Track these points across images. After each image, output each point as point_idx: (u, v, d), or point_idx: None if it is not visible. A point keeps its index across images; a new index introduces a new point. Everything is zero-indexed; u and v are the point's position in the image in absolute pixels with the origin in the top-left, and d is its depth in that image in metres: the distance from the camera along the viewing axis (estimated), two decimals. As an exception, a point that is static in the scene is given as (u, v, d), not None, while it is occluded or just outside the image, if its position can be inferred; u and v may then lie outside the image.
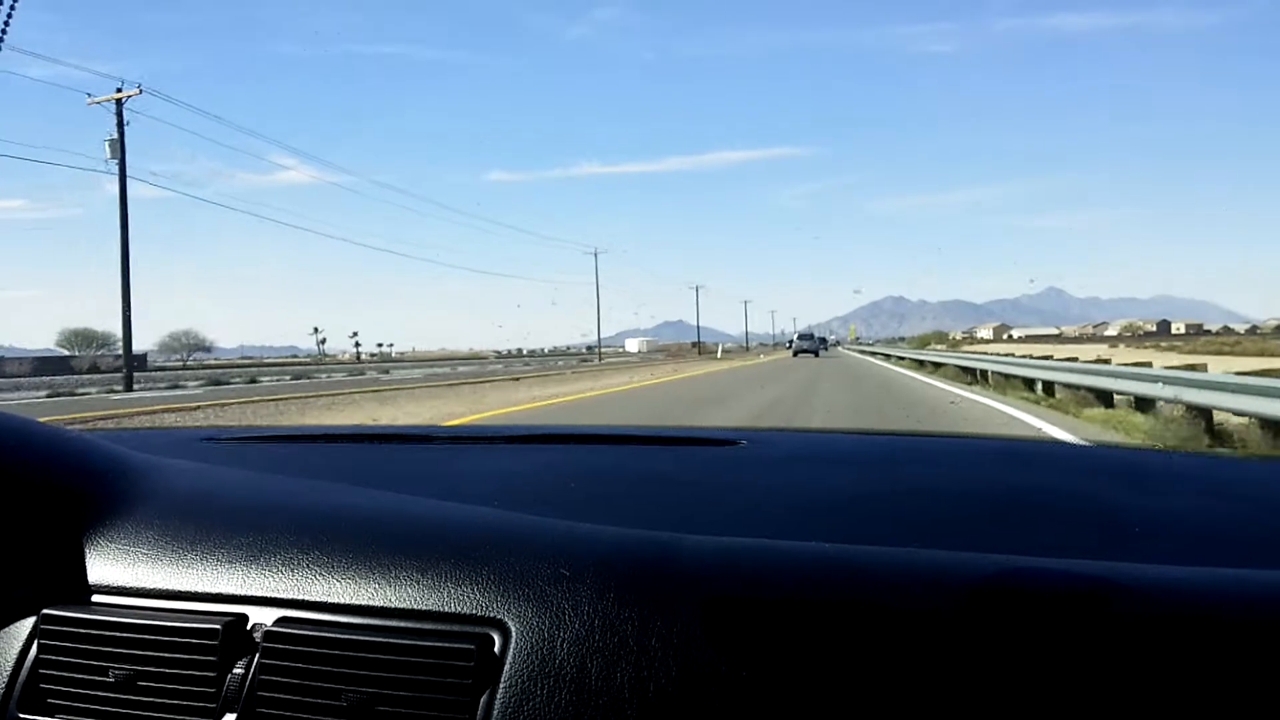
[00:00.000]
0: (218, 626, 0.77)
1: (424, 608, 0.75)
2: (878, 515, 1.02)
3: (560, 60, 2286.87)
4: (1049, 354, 19.67)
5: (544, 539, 0.81)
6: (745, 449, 1.41)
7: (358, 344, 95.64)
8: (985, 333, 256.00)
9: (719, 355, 58.82)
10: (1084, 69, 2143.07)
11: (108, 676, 0.78)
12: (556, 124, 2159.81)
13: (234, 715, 0.75)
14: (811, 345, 64.03)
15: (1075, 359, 15.23)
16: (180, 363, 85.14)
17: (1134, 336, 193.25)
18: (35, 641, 0.81)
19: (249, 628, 0.78)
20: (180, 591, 0.81)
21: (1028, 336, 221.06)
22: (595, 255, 75.71)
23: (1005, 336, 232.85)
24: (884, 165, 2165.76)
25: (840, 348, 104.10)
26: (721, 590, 0.73)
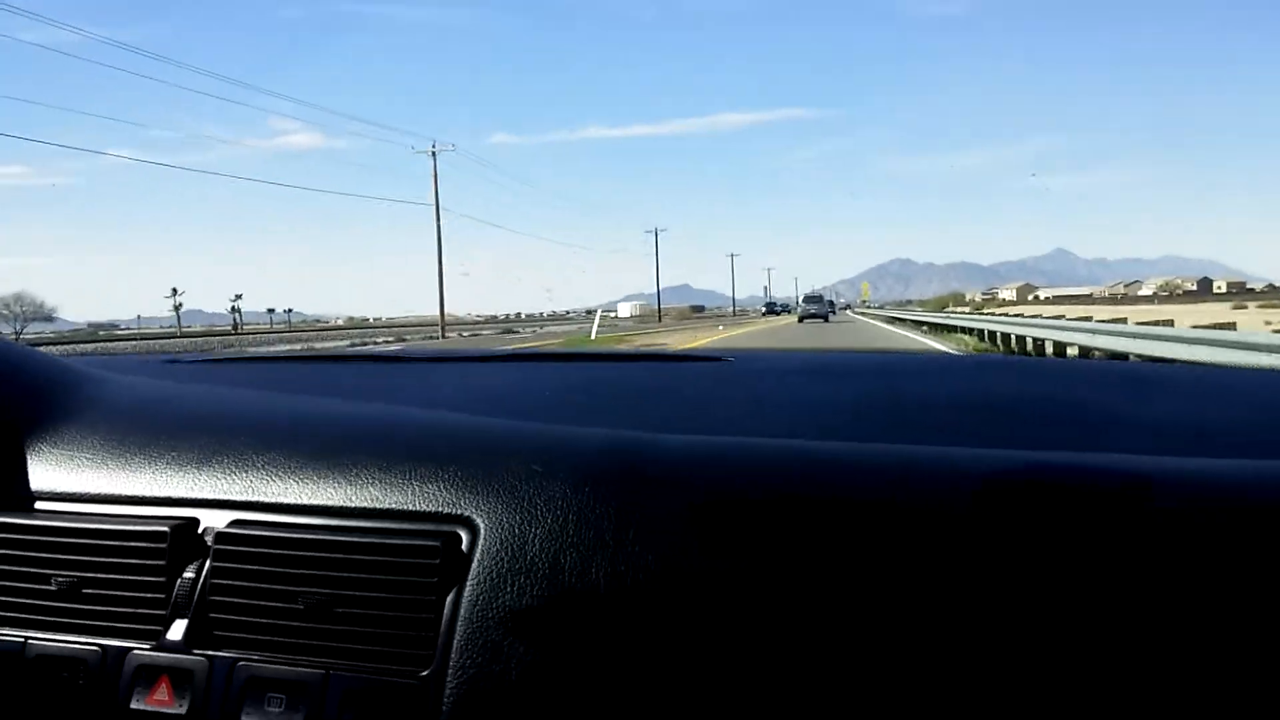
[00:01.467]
0: (166, 529, 0.74)
1: (386, 506, 0.72)
2: (871, 419, 0.97)
3: (561, 19, 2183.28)
4: (1166, 318, 12.15)
5: (516, 439, 0.78)
6: (731, 365, 1.36)
7: (236, 309, 75.48)
8: (1008, 294, 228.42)
9: (609, 320, 37.78)
10: (1089, 26, 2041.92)
11: (50, 585, 0.76)
12: (560, 86, 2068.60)
13: (184, 621, 0.72)
14: (820, 309, 56.34)
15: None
16: (14, 334, 66.60)
17: (1171, 296, 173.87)
18: None
19: (199, 531, 0.75)
20: (127, 496, 0.78)
21: (1056, 298, 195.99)
22: (433, 154, 45.02)
23: (1031, 298, 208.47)
24: (888, 127, 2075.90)
25: (850, 311, 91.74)
26: (703, 485, 0.70)
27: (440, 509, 0.71)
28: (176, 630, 0.72)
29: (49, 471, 0.81)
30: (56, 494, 0.80)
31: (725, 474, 0.71)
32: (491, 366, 1.46)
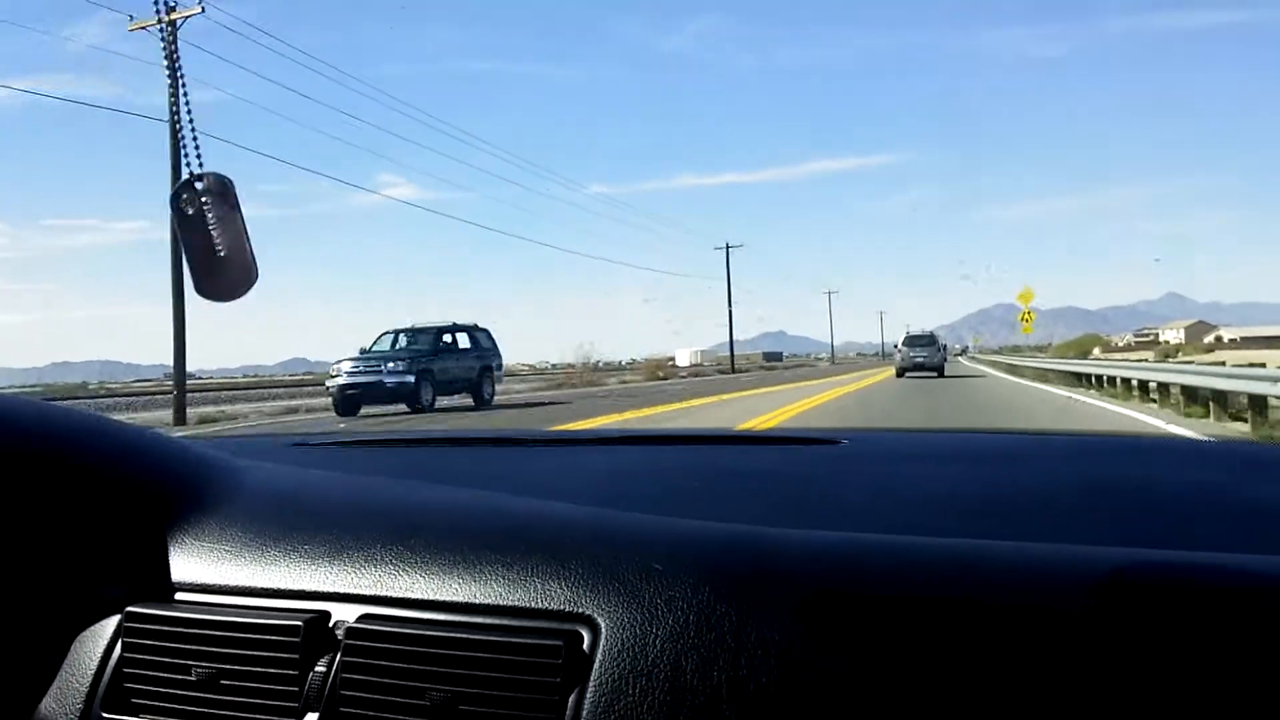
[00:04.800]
0: (300, 623, 0.75)
1: (509, 604, 0.73)
2: (990, 512, 0.95)
3: (658, 73, 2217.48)
4: None
5: (634, 534, 0.78)
6: (846, 447, 1.34)
7: None
8: (1172, 335, 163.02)
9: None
10: (1203, 67, 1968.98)
11: (190, 675, 0.77)
12: (655, 137, 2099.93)
13: (316, 715, 0.73)
14: (930, 356, 33.58)
15: None
16: None
17: None
18: (119, 640, 0.81)
19: (331, 625, 0.77)
20: (263, 589, 0.80)
21: (1244, 339, 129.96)
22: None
23: (1210, 339, 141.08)
24: (991, 172, 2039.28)
25: (963, 359, 77.44)
26: (826, 586, 0.69)
27: (562, 607, 0.71)
28: None
29: (190, 563, 0.83)
30: (196, 585, 0.81)
31: (846, 573, 0.70)
32: (606, 450, 1.50)
